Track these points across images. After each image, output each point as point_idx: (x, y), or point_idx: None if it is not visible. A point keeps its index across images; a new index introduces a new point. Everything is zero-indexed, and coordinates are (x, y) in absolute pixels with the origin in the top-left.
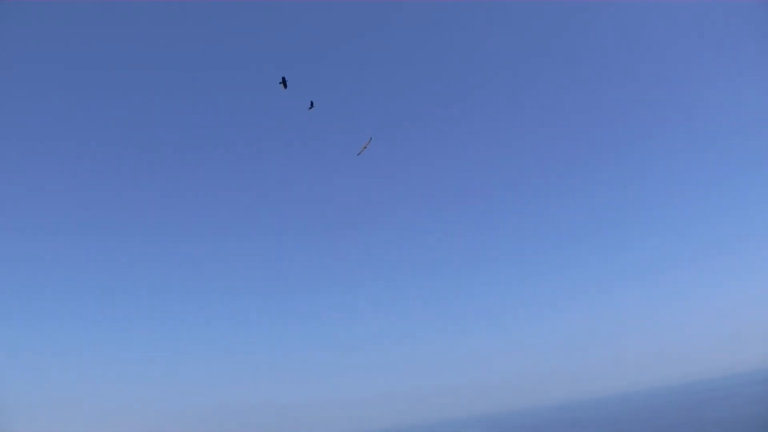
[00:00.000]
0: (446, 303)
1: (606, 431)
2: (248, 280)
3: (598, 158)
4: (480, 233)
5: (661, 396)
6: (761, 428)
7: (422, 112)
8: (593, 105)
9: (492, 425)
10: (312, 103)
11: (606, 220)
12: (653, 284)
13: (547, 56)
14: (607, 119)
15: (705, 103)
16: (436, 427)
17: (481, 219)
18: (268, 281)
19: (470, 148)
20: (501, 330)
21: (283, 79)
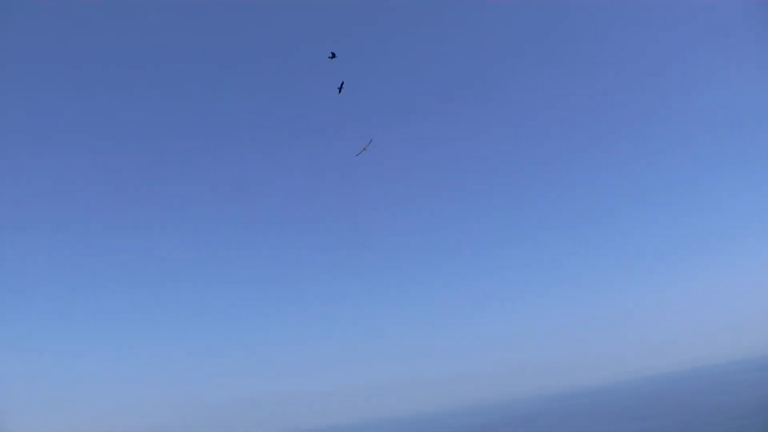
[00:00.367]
0: (443, 294)
1: (607, 419)
2: (240, 271)
3: (597, 150)
4: (474, 224)
5: (662, 383)
6: (762, 414)
7: (413, 106)
8: (592, 97)
9: (492, 414)
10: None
11: (605, 210)
12: (653, 273)
13: (541, 47)
14: (607, 111)
15: (702, 99)
16: (436, 417)
17: (476, 211)
18: (259, 273)
19: (468, 137)
20: (500, 320)
21: (333, 54)
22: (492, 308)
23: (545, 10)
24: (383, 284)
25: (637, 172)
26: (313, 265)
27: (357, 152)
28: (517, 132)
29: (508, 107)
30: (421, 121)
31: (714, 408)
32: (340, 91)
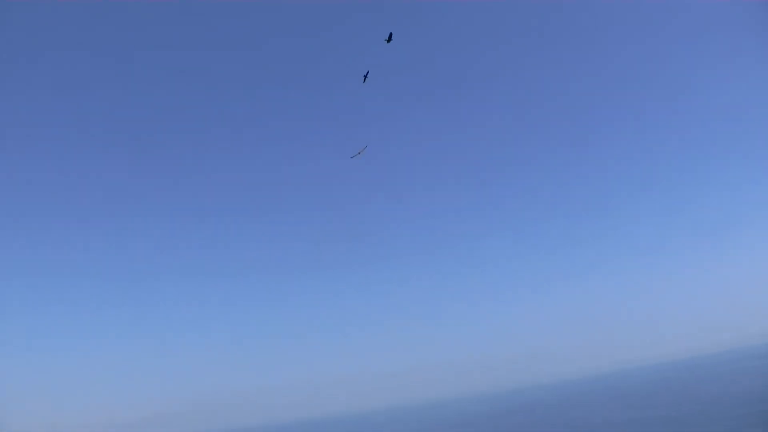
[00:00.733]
0: (444, 285)
1: (608, 407)
2: (237, 264)
3: (597, 144)
4: (477, 215)
5: (662, 372)
6: (762, 403)
7: (410, 100)
8: (591, 91)
9: (493, 403)
10: (366, 76)
11: (606, 201)
12: (653, 263)
13: (537, 40)
14: (607, 102)
15: (699, 94)
16: (439, 406)
17: (479, 202)
18: (257, 266)
19: (467, 131)
20: (502, 310)
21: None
22: (493, 298)
23: (545, 5)
24: (385, 275)
25: (642, 162)
26: (314, 258)
27: (352, 155)
28: (518, 126)
29: (507, 101)
30: (419, 114)
31: (714, 396)
32: (364, 81)
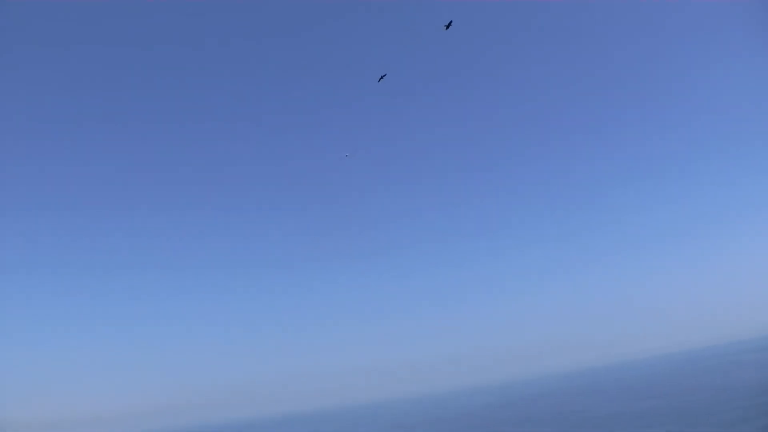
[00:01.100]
0: (447, 278)
1: (613, 398)
2: (239, 257)
3: (597, 136)
4: (479, 208)
5: (665, 363)
6: (764, 394)
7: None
8: (592, 89)
9: (499, 394)
10: (383, 76)
11: (612, 194)
12: (659, 256)
13: (534, 34)
14: (608, 98)
15: (697, 89)
16: (444, 397)
17: (484, 194)
18: (262, 258)
19: (465, 126)
20: (512, 301)
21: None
22: (501, 289)
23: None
24: (388, 269)
25: (647, 154)
26: (316, 251)
27: (346, 154)
28: (518, 121)
29: (507, 101)
30: (418, 110)
31: (718, 387)
32: (379, 80)
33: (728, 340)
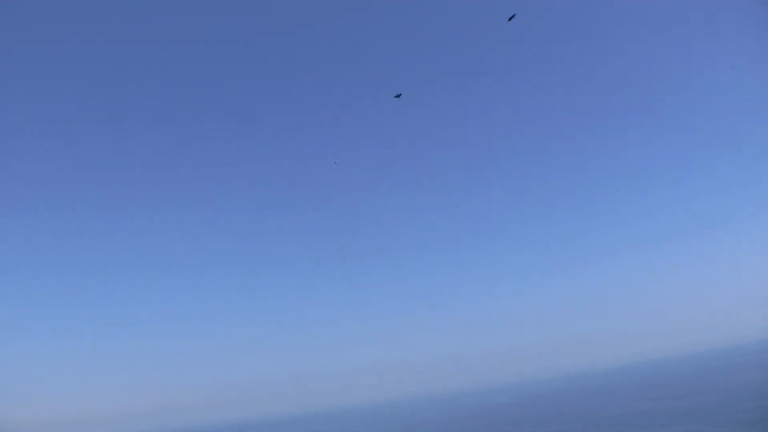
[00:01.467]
0: (456, 278)
1: (625, 398)
2: (239, 257)
3: (599, 139)
4: (485, 207)
5: (675, 364)
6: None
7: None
8: (593, 88)
9: (515, 394)
10: (399, 95)
11: (619, 196)
12: (668, 260)
13: (533, 35)
14: (609, 100)
15: (698, 91)
16: (456, 397)
17: (491, 194)
18: (262, 259)
19: (466, 126)
20: (520, 301)
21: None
22: (503, 290)
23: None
24: (389, 269)
25: (651, 155)
26: (316, 252)
27: (335, 161)
28: (519, 122)
29: (506, 100)
30: (418, 110)
31: (727, 389)
32: (397, 97)
33: (733, 342)
